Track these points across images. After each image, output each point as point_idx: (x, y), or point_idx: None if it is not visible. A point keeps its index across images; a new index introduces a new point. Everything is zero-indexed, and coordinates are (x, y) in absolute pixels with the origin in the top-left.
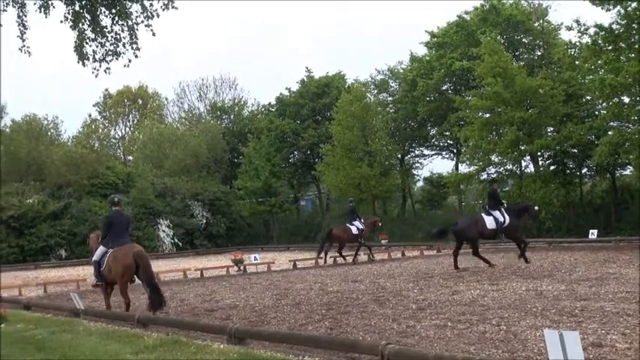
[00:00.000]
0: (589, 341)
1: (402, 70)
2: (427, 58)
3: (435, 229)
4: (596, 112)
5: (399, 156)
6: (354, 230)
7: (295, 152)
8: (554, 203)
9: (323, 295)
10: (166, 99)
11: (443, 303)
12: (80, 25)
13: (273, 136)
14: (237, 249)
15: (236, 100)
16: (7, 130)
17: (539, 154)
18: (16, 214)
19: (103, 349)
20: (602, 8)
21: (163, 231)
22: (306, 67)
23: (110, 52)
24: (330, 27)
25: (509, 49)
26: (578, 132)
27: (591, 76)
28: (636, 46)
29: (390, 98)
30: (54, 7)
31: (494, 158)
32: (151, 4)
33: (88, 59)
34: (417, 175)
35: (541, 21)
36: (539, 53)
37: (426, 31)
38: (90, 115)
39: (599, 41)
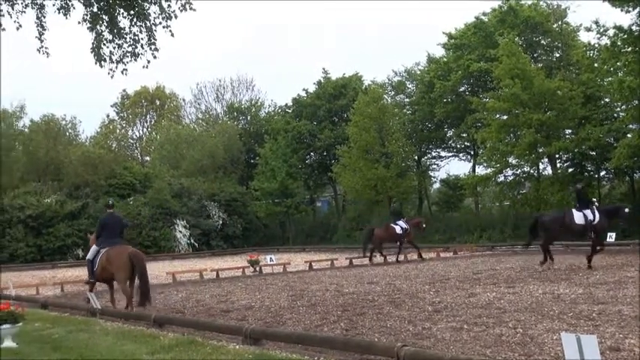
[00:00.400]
0: (606, 345)
1: (419, 72)
2: (444, 59)
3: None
4: (615, 115)
5: (416, 157)
6: (398, 230)
7: (312, 153)
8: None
9: (339, 297)
10: (183, 100)
11: (459, 305)
12: (98, 26)
13: (290, 137)
14: (253, 250)
15: (253, 101)
16: (26, 130)
17: (557, 156)
18: (34, 213)
19: (119, 348)
20: (622, 9)
21: (180, 231)
22: (323, 69)
23: (128, 54)
24: (347, 28)
25: (528, 50)
26: (596, 134)
27: (610, 78)
28: None
29: (407, 100)
30: (74, 7)
31: (511, 160)
32: (169, 5)
33: (105, 60)
34: (434, 177)
35: (560, 22)
36: (558, 55)
37: (443, 33)
38: (108, 116)
39: (619, 43)
